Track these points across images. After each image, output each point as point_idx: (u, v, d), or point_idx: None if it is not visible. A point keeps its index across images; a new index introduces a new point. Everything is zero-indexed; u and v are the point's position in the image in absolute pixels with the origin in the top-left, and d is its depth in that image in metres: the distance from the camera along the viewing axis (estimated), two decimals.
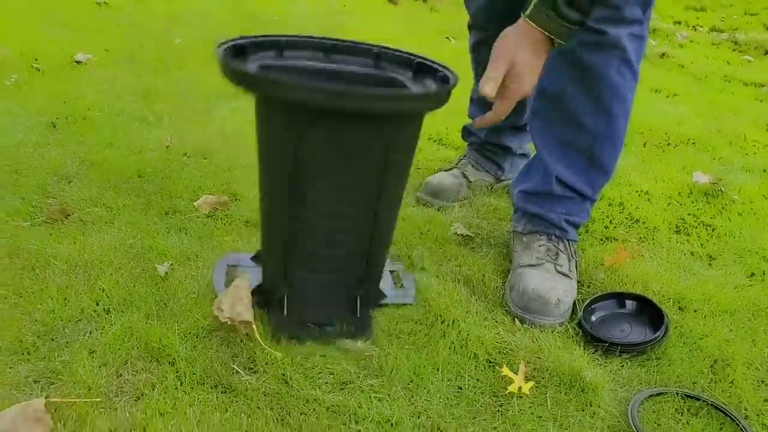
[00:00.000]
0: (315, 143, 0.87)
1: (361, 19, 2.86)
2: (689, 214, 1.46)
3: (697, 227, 1.41)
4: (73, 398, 0.91)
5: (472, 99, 1.58)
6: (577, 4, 0.96)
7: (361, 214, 0.96)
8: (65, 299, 1.11)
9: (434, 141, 1.88)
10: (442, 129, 1.94)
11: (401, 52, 1.02)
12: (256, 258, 1.14)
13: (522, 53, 0.98)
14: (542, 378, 0.96)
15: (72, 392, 0.92)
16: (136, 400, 0.91)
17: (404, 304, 1.11)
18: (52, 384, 0.94)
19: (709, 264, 1.28)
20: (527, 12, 0.98)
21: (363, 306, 1.05)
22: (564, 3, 0.96)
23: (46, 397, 0.89)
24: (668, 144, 1.90)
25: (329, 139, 0.88)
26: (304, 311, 1.04)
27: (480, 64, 1.46)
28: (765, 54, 3.06)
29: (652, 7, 1.10)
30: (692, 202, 1.53)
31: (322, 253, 1.01)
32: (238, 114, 1.96)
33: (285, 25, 2.84)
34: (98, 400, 0.91)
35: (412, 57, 1.00)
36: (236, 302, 1.02)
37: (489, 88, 0.98)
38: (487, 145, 1.56)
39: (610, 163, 1.22)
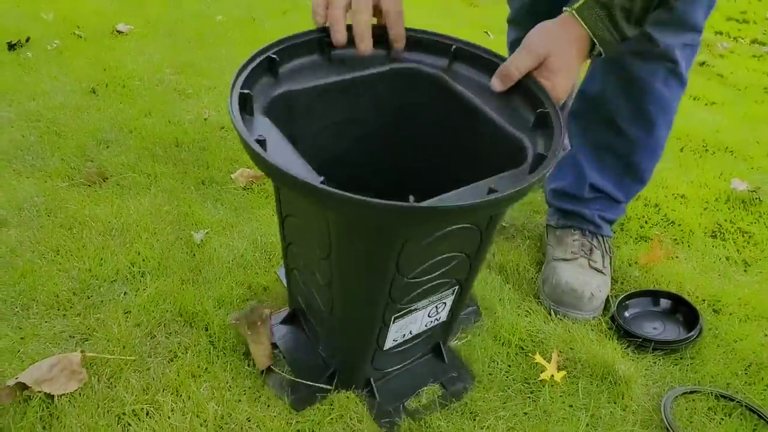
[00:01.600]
0: (411, 251, 0.72)
1: None
2: (726, 220, 1.44)
3: (733, 233, 1.39)
4: (108, 354, 0.92)
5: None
6: (635, 18, 0.78)
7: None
8: (101, 259, 1.12)
9: None
10: None
11: (420, 33, 0.85)
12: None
13: (559, 47, 0.80)
14: (574, 368, 0.95)
15: (106, 349, 0.93)
16: (169, 362, 0.92)
17: None
18: (86, 340, 0.95)
19: (745, 270, 1.26)
20: (575, 5, 0.80)
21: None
22: (621, 13, 0.78)
23: (81, 352, 0.91)
24: (706, 150, 1.87)
25: (425, 245, 0.73)
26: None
27: (515, 40, 1.44)
28: None
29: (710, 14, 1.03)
30: (729, 209, 1.50)
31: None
32: None
33: None
34: (132, 358, 0.92)
35: (447, 41, 0.84)
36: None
37: (503, 79, 0.80)
38: None
39: (647, 172, 1.19)
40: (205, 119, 1.72)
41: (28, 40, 2.07)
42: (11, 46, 2.01)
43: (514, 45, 1.42)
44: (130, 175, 1.40)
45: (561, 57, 0.80)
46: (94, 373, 0.89)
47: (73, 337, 0.96)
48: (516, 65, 0.79)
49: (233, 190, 1.38)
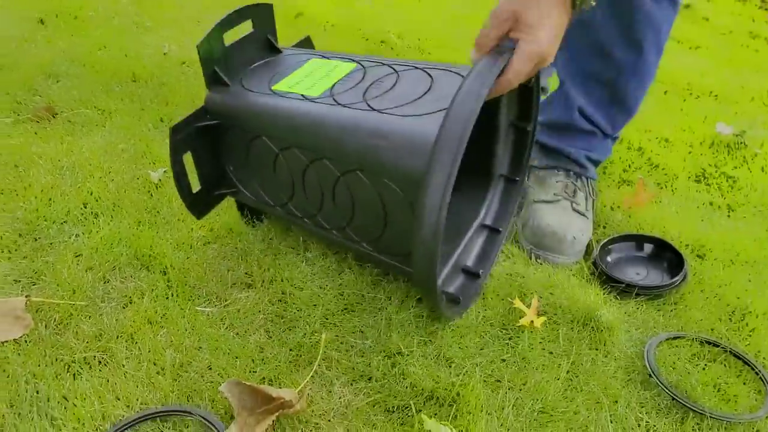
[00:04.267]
0: None
1: None
2: (710, 165, 1.40)
3: (717, 177, 1.35)
4: (57, 300, 0.84)
5: None
6: None
7: None
8: (50, 199, 1.03)
9: None
10: (459, 59, 1.83)
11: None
12: None
13: (529, 2, 0.73)
14: (554, 314, 0.91)
15: (55, 294, 0.86)
16: (123, 307, 0.85)
17: None
18: (33, 284, 0.88)
19: (728, 215, 1.22)
20: None
21: None
22: None
23: (26, 296, 0.83)
24: (690, 94, 1.82)
25: None
26: None
27: None
28: None
29: None
30: (713, 153, 1.46)
31: None
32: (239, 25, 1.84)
33: None
34: (83, 303, 0.85)
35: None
36: None
37: (477, 48, 0.76)
38: None
39: (634, 101, 1.13)
40: (164, 53, 1.60)
41: None
42: None
43: None
44: (82, 111, 1.29)
45: (535, 9, 0.74)
46: (41, 319, 0.81)
47: (18, 281, 0.88)
48: (485, 32, 0.75)
49: None
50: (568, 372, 0.82)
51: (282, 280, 0.92)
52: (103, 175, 1.10)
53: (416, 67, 0.85)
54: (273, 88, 0.86)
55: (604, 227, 1.14)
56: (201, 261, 0.94)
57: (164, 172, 1.12)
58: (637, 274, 1.03)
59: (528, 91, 0.93)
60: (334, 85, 0.84)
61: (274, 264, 0.94)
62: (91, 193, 1.05)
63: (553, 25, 0.75)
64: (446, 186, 0.65)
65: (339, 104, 0.80)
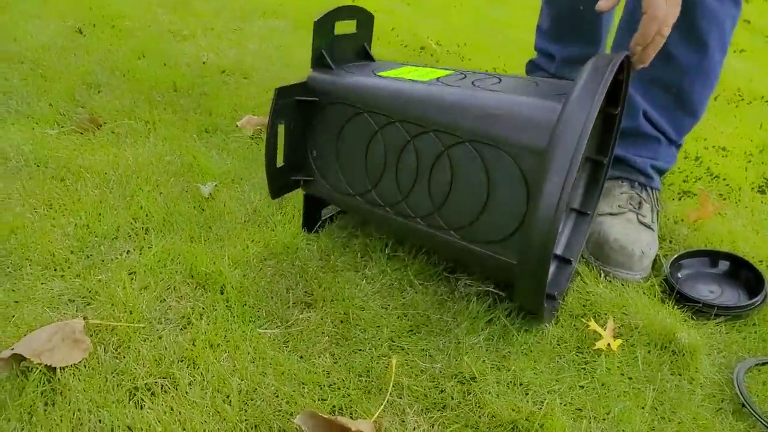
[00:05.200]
0: None
1: None
2: None
3: None
4: (114, 321, 0.81)
5: (539, 29, 1.42)
6: None
7: None
8: (99, 214, 1.01)
9: None
10: (499, 65, 1.79)
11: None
12: None
13: None
14: (630, 336, 0.86)
15: (111, 315, 0.83)
16: (182, 329, 0.82)
17: None
18: (88, 304, 0.85)
19: None
20: None
21: None
22: None
23: (84, 318, 0.80)
24: (741, 99, 1.76)
25: None
26: None
27: None
28: None
29: None
30: None
31: None
32: (275, 33, 1.81)
33: None
34: (141, 325, 0.81)
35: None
36: None
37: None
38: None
39: (700, 103, 1.10)
40: (203, 62, 1.58)
41: None
42: None
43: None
44: (126, 122, 1.27)
45: None
46: (100, 342, 0.78)
47: (73, 301, 0.85)
48: None
49: (240, 138, 1.26)
50: (653, 400, 0.77)
51: (343, 300, 0.88)
52: (152, 189, 1.07)
53: (517, 77, 0.87)
54: (379, 74, 0.89)
55: (670, 241, 1.09)
56: (259, 279, 0.90)
57: (215, 185, 1.09)
58: (711, 292, 0.98)
59: (609, 123, 0.91)
60: (440, 78, 0.86)
61: (334, 282, 0.91)
62: (141, 208, 1.02)
63: None
64: (575, 155, 0.66)
65: (452, 86, 0.82)
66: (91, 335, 0.79)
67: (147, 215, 1.01)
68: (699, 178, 1.30)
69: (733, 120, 1.60)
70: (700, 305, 0.91)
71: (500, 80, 0.86)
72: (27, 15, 1.71)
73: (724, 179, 1.30)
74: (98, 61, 1.51)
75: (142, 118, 1.29)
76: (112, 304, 0.84)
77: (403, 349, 0.82)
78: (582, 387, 0.79)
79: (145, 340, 0.80)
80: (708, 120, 1.55)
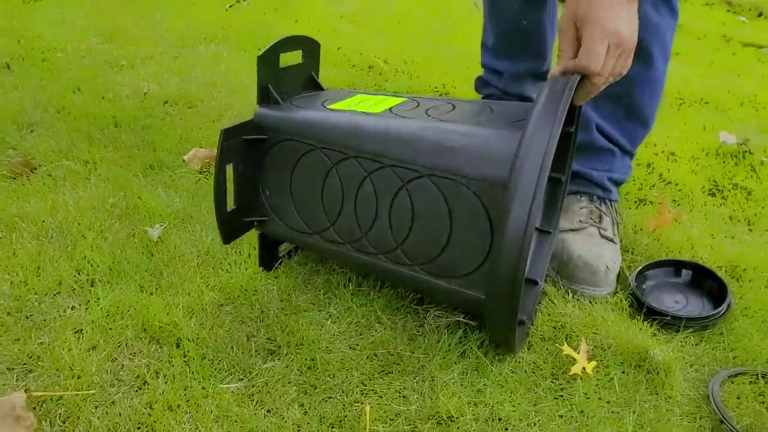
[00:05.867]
0: None
1: None
2: (721, 176, 1.37)
3: (731, 190, 1.32)
4: (60, 390, 0.75)
5: (485, 45, 1.42)
6: None
7: None
8: (38, 268, 0.93)
9: (440, 93, 1.72)
10: (448, 81, 1.78)
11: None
12: None
13: (583, 3, 0.76)
14: (604, 357, 0.85)
15: (57, 382, 0.76)
16: (137, 391, 0.76)
17: None
18: (30, 372, 0.78)
19: (750, 229, 1.19)
20: None
21: None
22: None
23: (26, 390, 0.73)
24: (682, 103, 1.81)
25: None
26: None
27: (494, 2, 1.31)
28: (759, 16, 3.00)
29: None
30: (720, 164, 1.43)
31: None
32: (220, 59, 1.76)
33: None
34: (91, 391, 0.75)
35: None
36: None
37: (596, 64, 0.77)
38: (507, 97, 1.42)
39: (650, 113, 1.12)
40: (144, 93, 1.51)
41: None
42: None
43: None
44: (63, 163, 1.19)
45: (585, 4, 0.76)
46: (45, 416, 0.72)
47: (13, 369, 0.78)
48: (560, 53, 0.80)
49: (187, 174, 1.20)
50: (633, 424, 0.76)
51: (309, 344, 0.84)
52: (96, 236, 1.01)
53: (470, 102, 0.85)
54: (329, 107, 0.85)
55: (632, 252, 1.09)
56: (217, 328, 0.85)
57: (163, 227, 1.03)
58: (676, 302, 0.98)
59: (565, 141, 0.90)
60: (392, 108, 0.83)
61: (297, 325, 0.86)
62: (85, 257, 0.95)
63: (611, 4, 0.76)
64: (538, 185, 0.65)
65: (406, 117, 0.79)
66: (35, 408, 0.72)
67: (91, 265, 0.94)
68: (653, 185, 1.31)
69: (677, 123, 1.64)
70: (668, 318, 0.91)
71: (454, 107, 0.83)
72: None
73: (677, 184, 1.32)
74: (29, 98, 1.42)
75: (80, 158, 1.22)
76: (57, 370, 0.77)
77: (375, 393, 0.78)
78: (561, 416, 0.77)
79: (96, 408, 0.73)
80: (655, 125, 1.58)
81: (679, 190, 1.30)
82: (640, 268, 1.00)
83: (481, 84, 1.46)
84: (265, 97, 0.87)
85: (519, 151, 0.67)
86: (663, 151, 1.46)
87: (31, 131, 1.30)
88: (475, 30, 1.45)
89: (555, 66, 0.84)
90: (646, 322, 0.91)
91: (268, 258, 0.96)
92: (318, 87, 0.96)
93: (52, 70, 1.58)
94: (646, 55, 1.03)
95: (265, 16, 2.21)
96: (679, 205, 1.26)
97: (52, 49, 1.69)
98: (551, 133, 0.66)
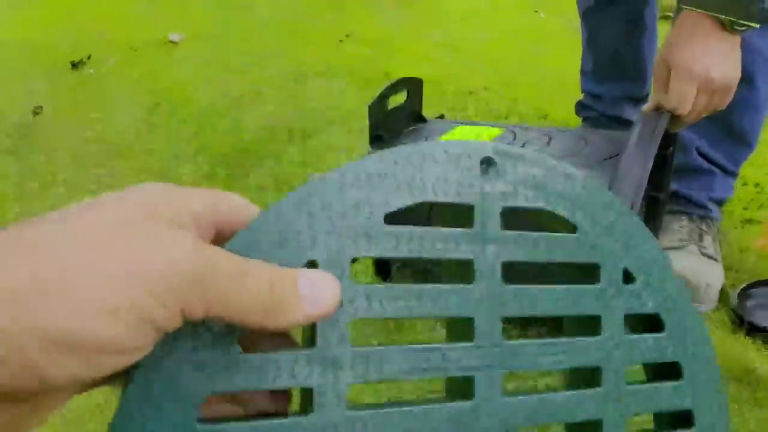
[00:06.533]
0: None
1: None
2: None
3: None
4: None
5: (583, 71, 1.48)
6: None
7: None
8: None
9: (540, 116, 1.79)
10: (547, 104, 1.84)
11: None
12: None
13: (674, 42, 0.82)
14: None
15: None
16: None
17: None
18: None
19: None
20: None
21: None
22: None
23: None
24: None
25: None
26: None
27: (592, 31, 1.36)
28: None
29: None
30: None
31: None
32: (333, 90, 1.92)
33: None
34: None
35: None
36: None
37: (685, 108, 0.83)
38: (604, 120, 1.46)
39: (753, 133, 1.11)
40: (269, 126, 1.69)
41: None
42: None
43: (586, 15, 1.35)
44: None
45: (675, 46, 0.80)
46: None
47: None
48: (687, 97, 0.82)
49: None
50: None
51: None
52: None
53: (565, 132, 0.90)
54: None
55: (737, 271, 1.11)
56: None
57: None
58: None
59: (663, 159, 0.94)
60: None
61: None
62: None
63: (700, 43, 0.79)
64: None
65: None
66: None
67: None
68: (761, 205, 1.31)
69: None
70: None
71: (550, 139, 0.90)
72: (103, 95, 1.88)
73: None
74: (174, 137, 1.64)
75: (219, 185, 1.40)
76: None
77: None
78: None
79: None
80: (763, 143, 1.56)
81: None
82: (744, 286, 1.02)
83: (581, 108, 1.52)
84: (376, 141, 0.99)
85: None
86: None
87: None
88: (570, 52, 1.51)
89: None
90: (748, 338, 0.94)
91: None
92: (422, 119, 1.07)
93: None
94: (748, 80, 1.02)
95: (366, 50, 2.38)
96: None
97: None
98: (637, 185, 0.71)
